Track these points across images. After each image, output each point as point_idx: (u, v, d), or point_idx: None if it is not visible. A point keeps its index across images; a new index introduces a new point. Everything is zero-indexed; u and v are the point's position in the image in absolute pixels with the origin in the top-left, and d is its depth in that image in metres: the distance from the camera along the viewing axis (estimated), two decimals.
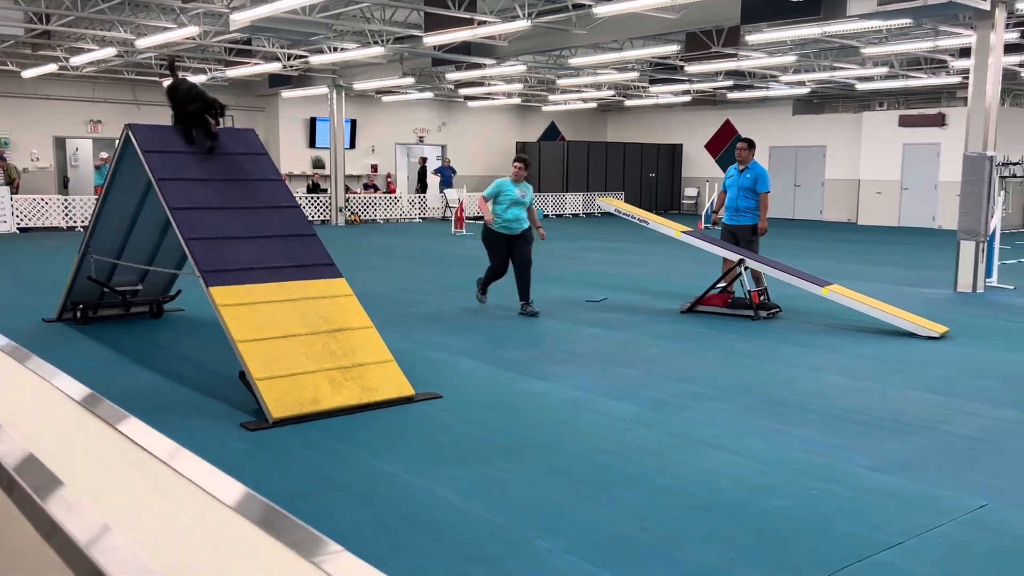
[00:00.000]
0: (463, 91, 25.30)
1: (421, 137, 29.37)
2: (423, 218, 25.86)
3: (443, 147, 29.67)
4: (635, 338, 8.26)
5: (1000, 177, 21.52)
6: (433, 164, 28.36)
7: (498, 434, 5.25)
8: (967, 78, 11.91)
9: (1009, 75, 20.82)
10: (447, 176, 26.35)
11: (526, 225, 9.41)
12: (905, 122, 24.46)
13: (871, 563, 3.55)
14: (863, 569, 3.50)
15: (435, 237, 19.90)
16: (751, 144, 10.05)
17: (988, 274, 11.96)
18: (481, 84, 23.96)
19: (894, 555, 3.63)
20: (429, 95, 26.26)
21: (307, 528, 1.28)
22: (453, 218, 21.32)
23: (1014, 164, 23.12)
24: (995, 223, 12.21)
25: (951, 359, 7.47)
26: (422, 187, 27.34)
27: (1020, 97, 23.73)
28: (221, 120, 6.89)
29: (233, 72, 21.53)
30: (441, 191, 25.82)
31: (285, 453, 4.83)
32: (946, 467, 4.73)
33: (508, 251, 9.39)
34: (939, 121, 23.76)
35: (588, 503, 4.16)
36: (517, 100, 28.60)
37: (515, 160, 9.52)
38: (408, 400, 5.87)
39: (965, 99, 11.82)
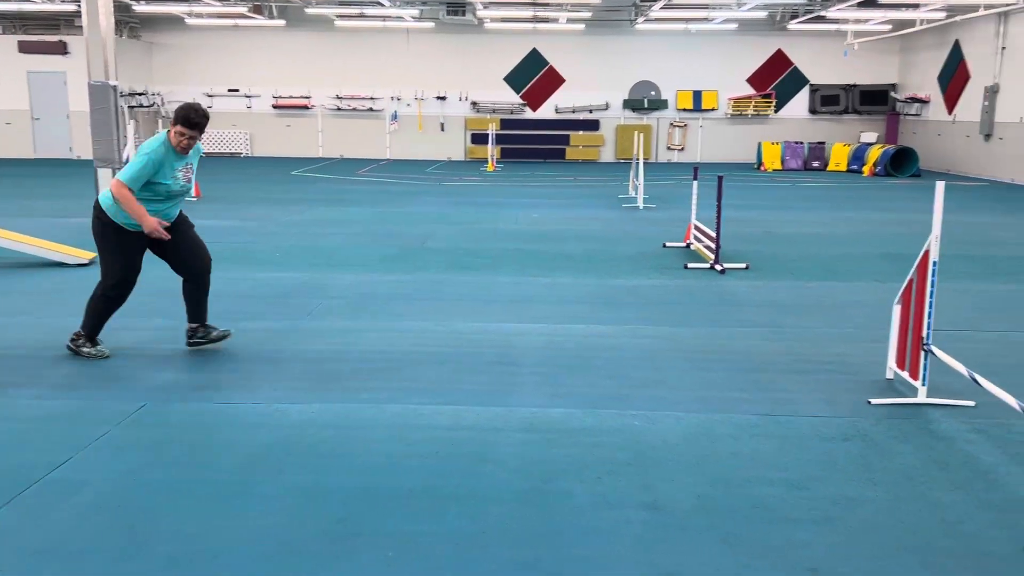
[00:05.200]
0: None
1: None
2: None
3: None
4: None
5: (129, 107, 22.54)
6: None
7: None
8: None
9: (123, 7, 21.65)
10: None
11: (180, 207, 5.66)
12: (26, 48, 23.42)
13: (43, 483, 3.65)
14: (35, 491, 3.58)
15: None
16: None
17: None
18: None
19: (65, 471, 3.79)
20: None
21: None
22: None
23: (140, 94, 24.39)
24: (128, 150, 12.82)
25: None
26: None
27: (136, 30, 24.90)
28: None
29: None
30: None
31: None
32: (103, 384, 5.03)
33: (144, 249, 5.49)
34: (61, 49, 23.41)
35: None
36: None
37: (185, 115, 5.23)
38: None
39: (83, 27, 11.94)
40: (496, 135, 23.74)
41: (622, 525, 3.38)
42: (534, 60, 25.39)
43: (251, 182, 18.02)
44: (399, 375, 5.20)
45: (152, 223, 5.22)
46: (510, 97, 25.62)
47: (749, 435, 4.32)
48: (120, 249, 5.38)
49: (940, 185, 4.62)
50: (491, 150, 22.71)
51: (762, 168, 23.15)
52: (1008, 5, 18.27)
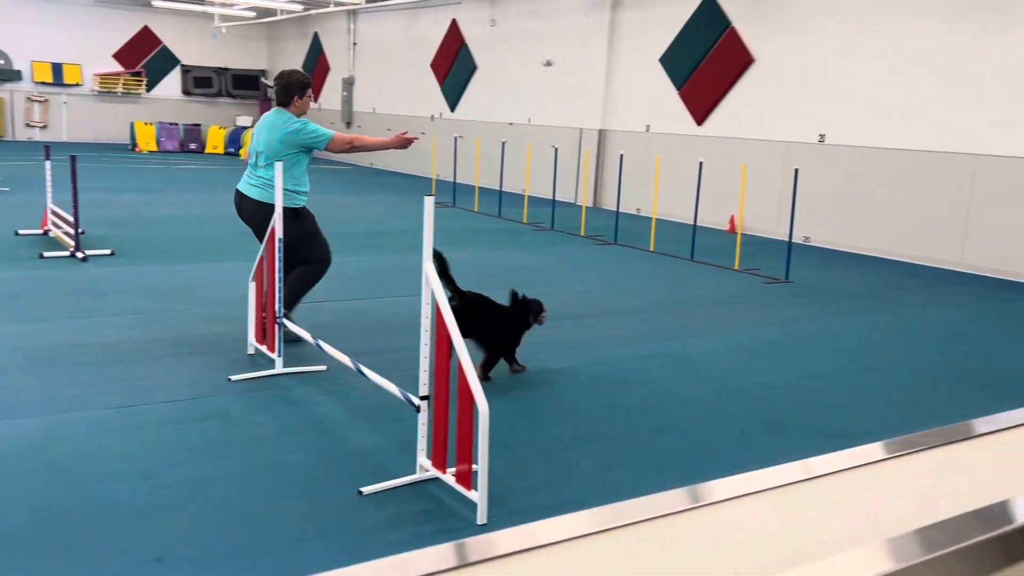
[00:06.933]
0: None
1: None
2: None
3: None
4: None
5: None
6: None
7: None
8: None
9: None
10: None
11: None
12: None
13: None
14: None
15: None
16: None
17: None
18: None
19: None
20: None
21: None
22: None
23: None
24: None
25: None
26: None
27: None
28: None
29: None
30: None
31: None
32: None
33: None
34: None
35: None
36: None
37: (307, 81, 5.80)
38: None
39: None
40: None
41: None
42: None
43: None
44: None
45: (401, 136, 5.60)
46: None
47: (102, 431, 4.05)
48: (314, 228, 5.66)
49: (278, 165, 4.88)
50: None
51: (137, 149, 22.10)
52: (355, 4, 20.24)
